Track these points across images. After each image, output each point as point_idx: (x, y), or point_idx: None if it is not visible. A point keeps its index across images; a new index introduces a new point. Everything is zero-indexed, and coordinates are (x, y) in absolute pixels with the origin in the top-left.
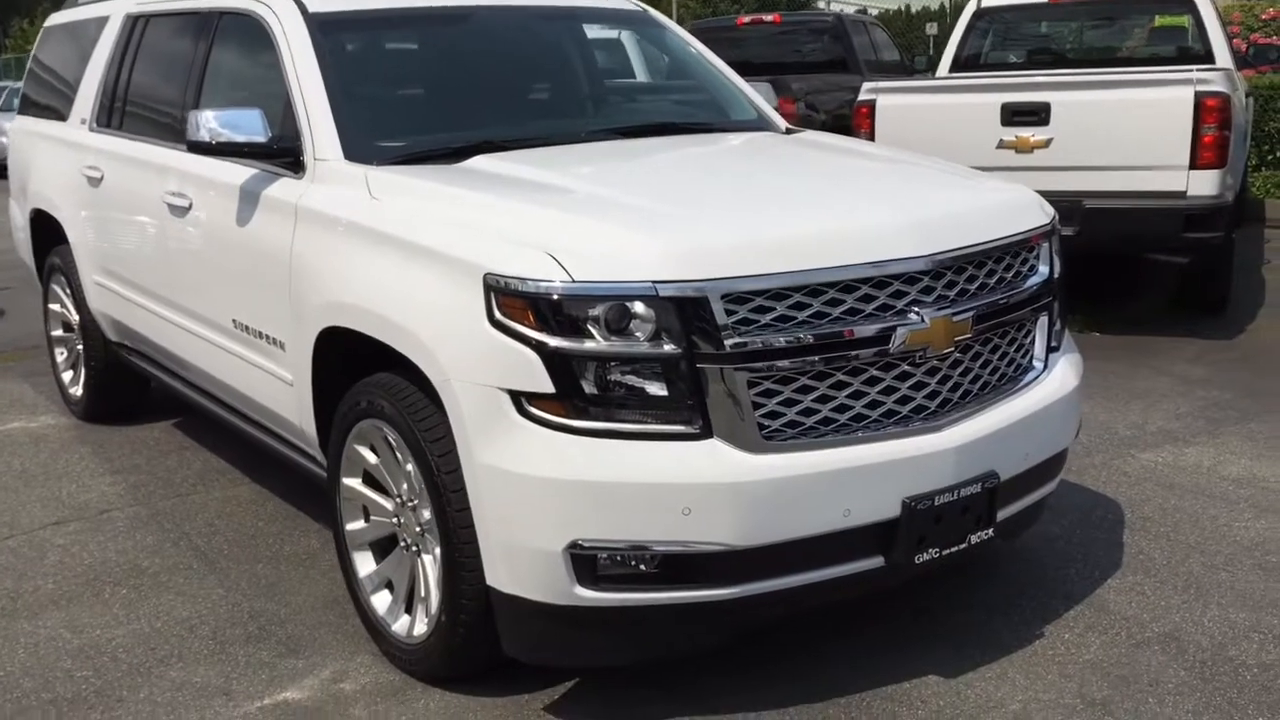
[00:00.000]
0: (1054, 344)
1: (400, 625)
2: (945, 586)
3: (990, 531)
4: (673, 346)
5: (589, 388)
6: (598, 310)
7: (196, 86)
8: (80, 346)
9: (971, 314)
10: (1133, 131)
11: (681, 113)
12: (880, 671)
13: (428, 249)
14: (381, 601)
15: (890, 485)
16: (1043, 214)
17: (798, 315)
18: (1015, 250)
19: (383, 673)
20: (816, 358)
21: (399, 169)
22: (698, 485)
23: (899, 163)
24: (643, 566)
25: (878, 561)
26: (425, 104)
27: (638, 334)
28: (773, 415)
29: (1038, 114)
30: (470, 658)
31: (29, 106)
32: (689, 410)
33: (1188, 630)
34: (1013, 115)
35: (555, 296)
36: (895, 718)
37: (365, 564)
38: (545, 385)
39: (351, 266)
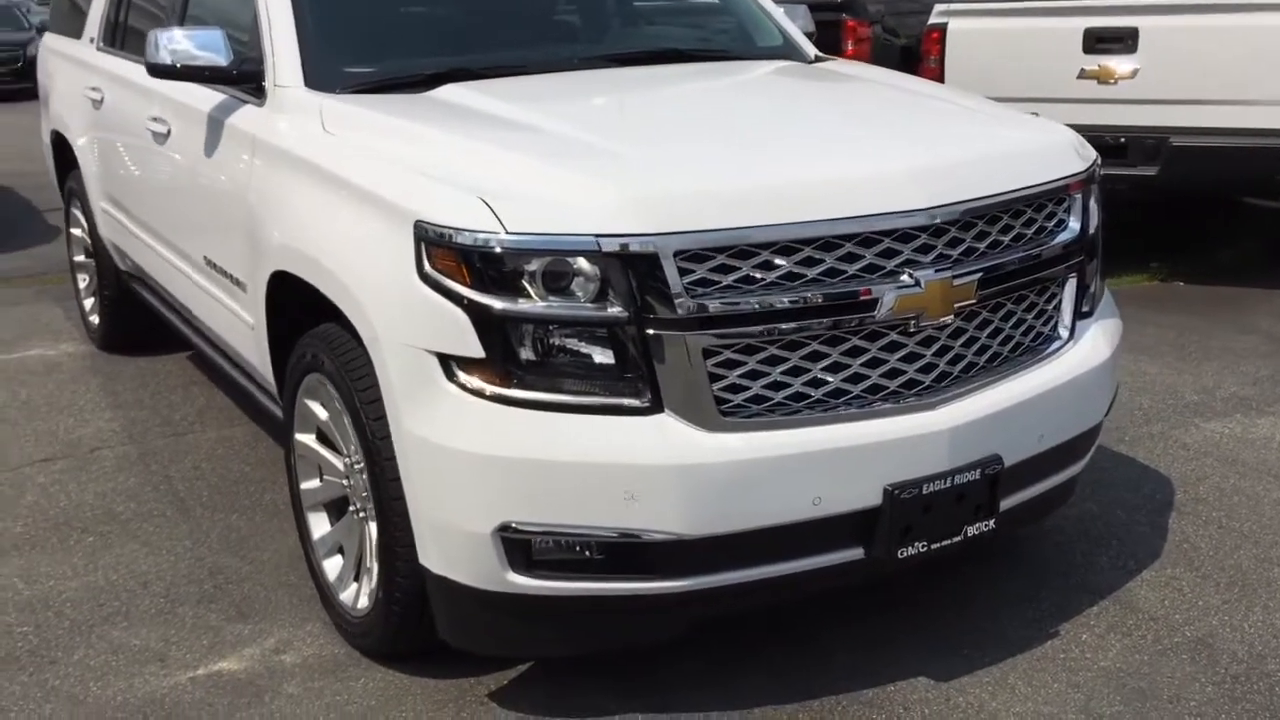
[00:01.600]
0: (1086, 308)
1: (348, 595)
2: (954, 574)
3: (992, 523)
4: (618, 309)
5: (524, 353)
6: (534, 266)
7: (183, 3)
8: (96, 274)
9: (978, 276)
10: (1230, 61)
11: (692, 38)
12: (865, 671)
13: (365, 191)
14: (333, 567)
15: (870, 471)
16: (1079, 159)
17: (766, 276)
18: (1040, 202)
19: (328, 645)
20: (787, 325)
21: (359, 98)
22: (641, 467)
23: (924, 101)
24: (585, 554)
25: (857, 554)
26: (403, 25)
27: (579, 294)
28: (734, 389)
29: (1124, 40)
30: (408, 638)
31: (55, 20)
32: (637, 381)
33: (1224, 636)
34: (1096, 42)
35: (486, 249)
36: None
37: (319, 526)
38: (475, 349)
39: (298, 206)
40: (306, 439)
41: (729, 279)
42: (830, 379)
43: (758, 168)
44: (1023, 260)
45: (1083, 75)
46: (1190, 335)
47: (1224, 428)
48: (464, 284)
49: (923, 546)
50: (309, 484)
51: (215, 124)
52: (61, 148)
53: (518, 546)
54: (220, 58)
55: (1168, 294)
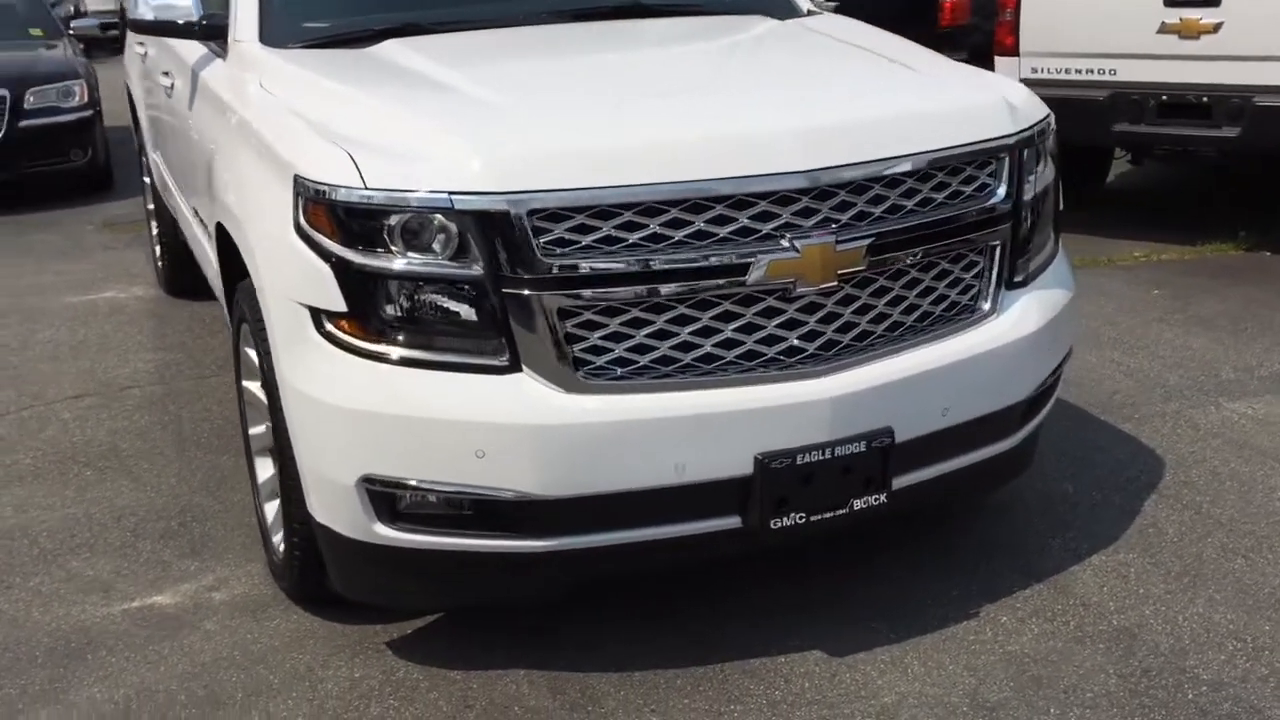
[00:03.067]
0: (1019, 279)
1: (278, 538)
2: (896, 544)
3: (883, 498)
4: (474, 267)
5: (385, 309)
6: (392, 221)
7: None
8: (157, 220)
9: (867, 242)
10: None
11: None
12: (762, 640)
13: (269, 147)
14: (271, 510)
15: (738, 439)
16: (1009, 121)
17: (629, 237)
18: (954, 165)
19: (260, 586)
20: (648, 288)
21: (301, 55)
22: (491, 425)
23: (863, 62)
24: (449, 509)
25: (734, 522)
26: None
27: (438, 250)
28: (596, 350)
29: None
30: (312, 583)
31: None
32: (495, 340)
33: (1152, 628)
34: None
35: (347, 204)
36: (746, 694)
37: (264, 470)
38: (339, 303)
39: (230, 161)
40: (252, 386)
41: (588, 239)
42: (703, 343)
43: (625, 127)
44: (929, 226)
45: (1163, 29)
46: (1255, 309)
47: (1247, 408)
48: (330, 238)
49: (800, 518)
50: (256, 429)
51: (195, 79)
52: (130, 101)
53: (382, 498)
54: (192, 12)
55: (1249, 264)
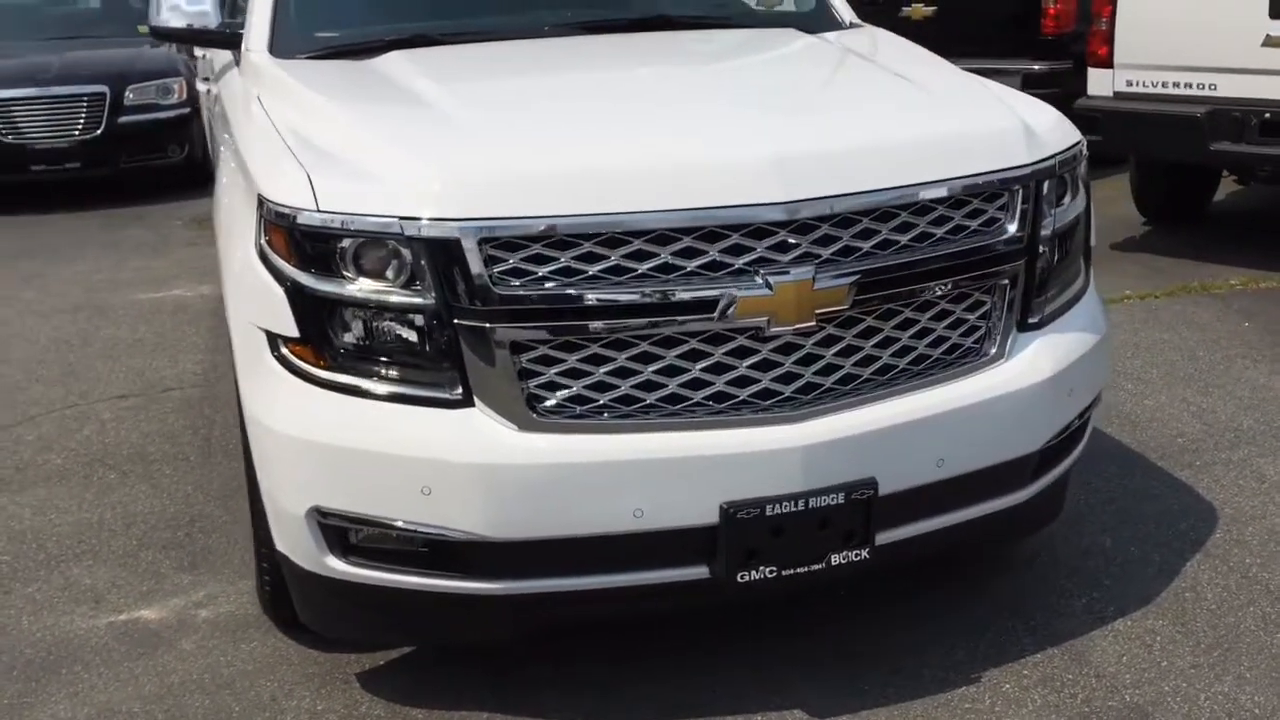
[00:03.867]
0: (1032, 319)
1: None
2: (907, 596)
3: (865, 554)
4: (426, 296)
5: (337, 335)
6: (345, 246)
7: None
8: None
9: (852, 280)
10: None
11: (693, 3)
12: (740, 695)
13: (246, 164)
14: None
15: (701, 486)
16: (1024, 150)
17: (588, 269)
18: (955, 198)
19: (246, 605)
20: (606, 323)
21: (303, 65)
22: (437, 462)
23: (876, 83)
24: (400, 545)
25: (701, 573)
26: None
27: (391, 277)
28: (553, 386)
29: None
30: (282, 608)
31: None
32: (447, 373)
33: (1168, 707)
34: None
35: (301, 227)
36: None
37: None
38: (291, 328)
39: (226, 179)
40: None
41: (545, 270)
42: (668, 383)
43: (590, 153)
44: (925, 263)
45: (1268, 43)
46: None
47: None
48: (287, 261)
49: (770, 572)
50: None
51: (219, 88)
52: None
53: (333, 531)
54: (210, 20)
55: None
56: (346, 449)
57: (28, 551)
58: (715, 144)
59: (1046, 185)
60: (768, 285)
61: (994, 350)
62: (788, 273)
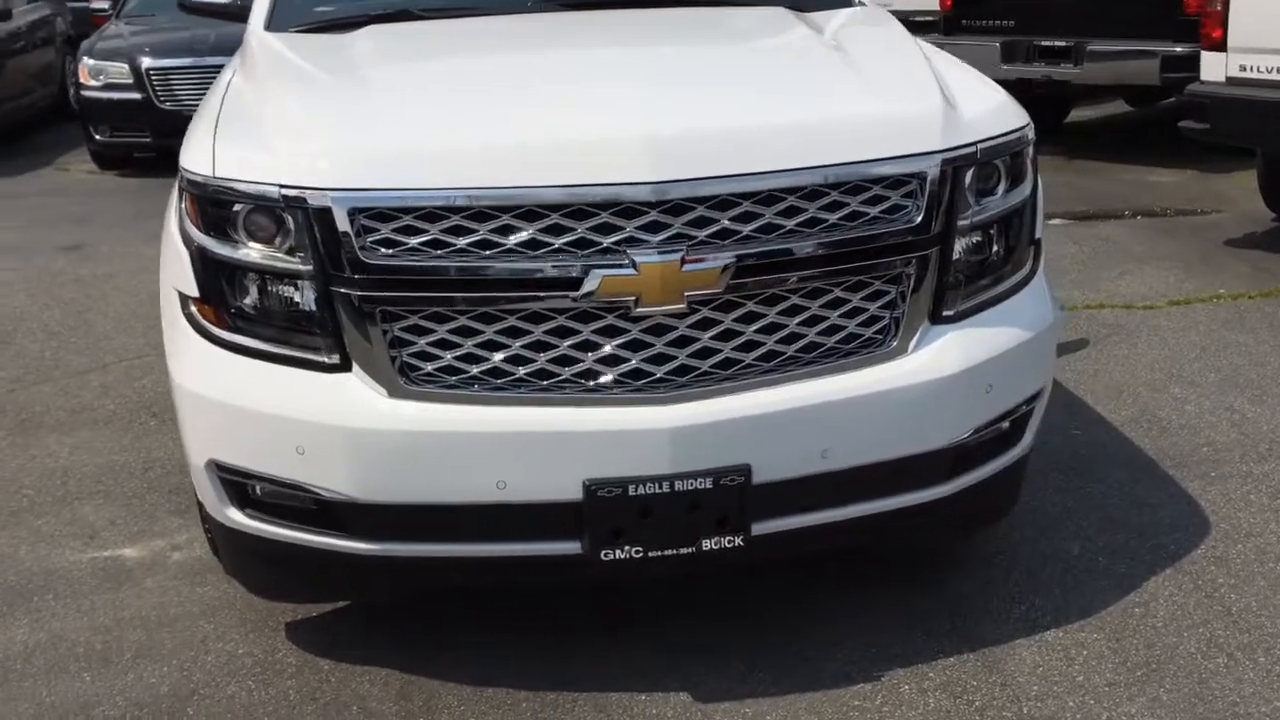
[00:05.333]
0: (946, 312)
1: None
2: (850, 584)
3: (739, 541)
4: (306, 263)
5: (231, 297)
6: (237, 211)
7: None
8: None
9: (724, 263)
10: None
11: None
12: (628, 675)
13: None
14: None
15: (564, 462)
16: (938, 135)
17: (456, 242)
18: (851, 183)
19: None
20: (473, 296)
21: (287, 39)
22: (309, 424)
23: (811, 63)
24: (288, 500)
25: (573, 548)
26: None
27: (278, 244)
28: (425, 356)
29: None
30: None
31: None
32: (327, 339)
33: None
34: None
35: (200, 192)
36: None
37: None
38: (194, 288)
39: None
40: None
41: (415, 241)
42: (537, 358)
43: (466, 129)
44: (814, 249)
45: None
46: None
47: None
48: (195, 225)
49: (636, 552)
50: None
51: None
52: None
53: (231, 485)
54: None
55: None
56: (236, 406)
57: (50, 488)
58: (593, 122)
59: (969, 173)
60: (633, 265)
61: (895, 342)
62: (654, 254)
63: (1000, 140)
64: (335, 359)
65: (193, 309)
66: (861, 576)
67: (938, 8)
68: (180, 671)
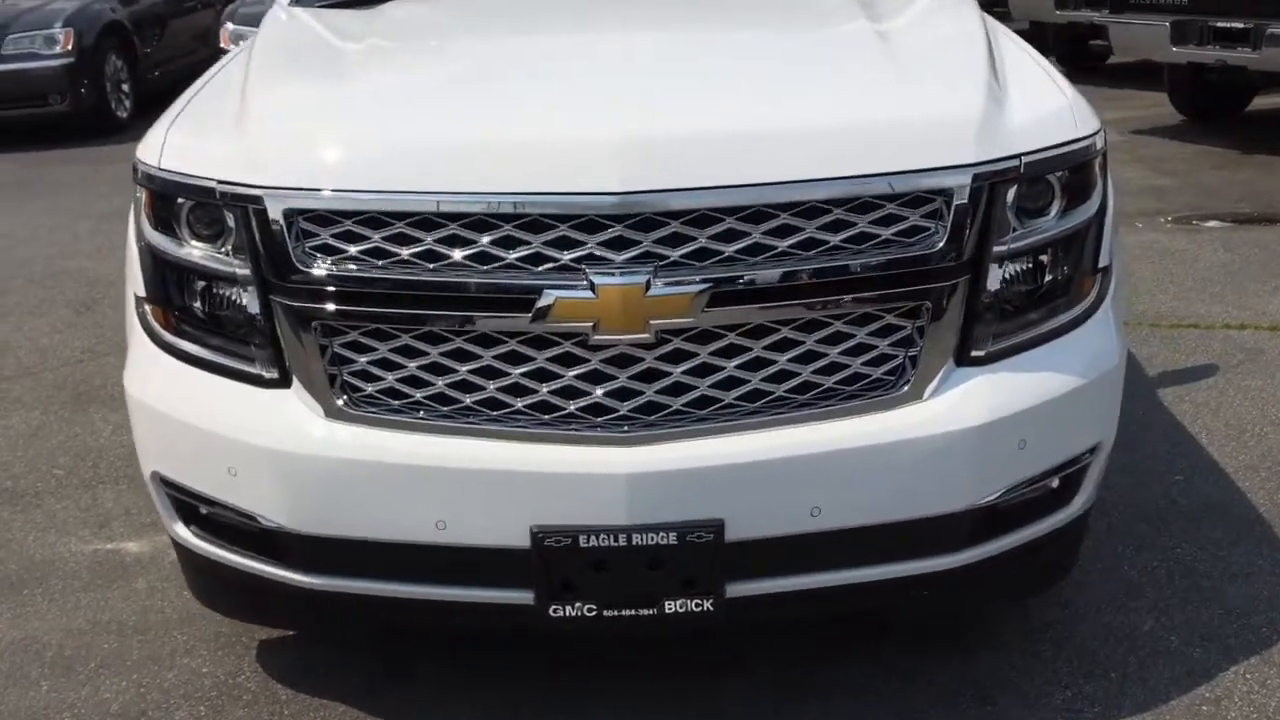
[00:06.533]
0: (975, 353)
1: None
2: (869, 645)
3: (708, 605)
4: (244, 268)
5: (176, 299)
6: (181, 206)
7: None
8: None
9: (699, 288)
10: None
11: None
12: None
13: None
14: None
15: (509, 504)
16: (970, 147)
17: (399, 251)
18: (860, 200)
19: None
20: (413, 312)
21: (310, 14)
22: (239, 444)
23: (845, 57)
24: (230, 521)
25: (526, 598)
26: None
27: (218, 244)
28: (367, 376)
29: None
30: None
31: None
32: (265, 350)
33: None
34: None
35: (146, 183)
36: None
37: None
38: (141, 288)
39: None
40: None
41: (355, 249)
42: (487, 386)
43: (420, 128)
44: (809, 276)
45: None
46: None
47: None
48: (147, 220)
49: (590, 610)
50: None
51: None
52: None
53: (175, 500)
54: None
55: None
56: (174, 418)
57: (81, 470)
58: (558, 121)
59: (1010, 190)
60: (590, 286)
61: (908, 386)
62: (615, 275)
63: (1054, 152)
64: (274, 374)
65: (145, 309)
66: (875, 633)
67: None
68: (137, 689)
